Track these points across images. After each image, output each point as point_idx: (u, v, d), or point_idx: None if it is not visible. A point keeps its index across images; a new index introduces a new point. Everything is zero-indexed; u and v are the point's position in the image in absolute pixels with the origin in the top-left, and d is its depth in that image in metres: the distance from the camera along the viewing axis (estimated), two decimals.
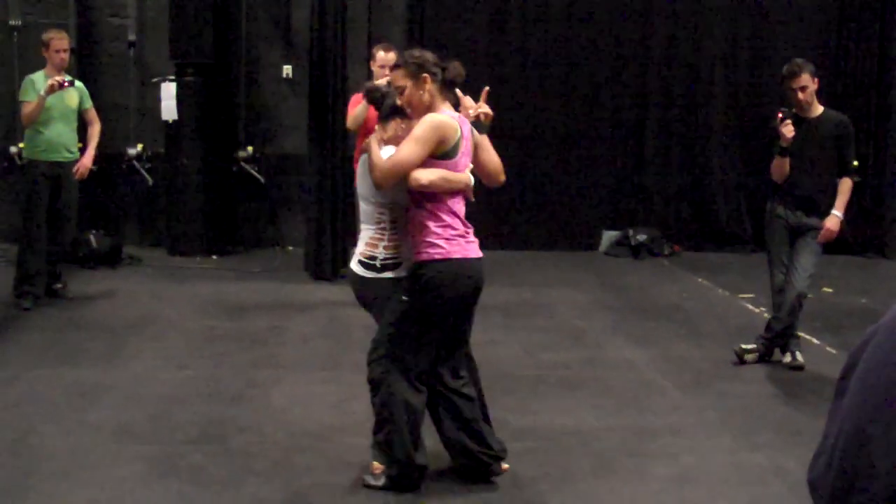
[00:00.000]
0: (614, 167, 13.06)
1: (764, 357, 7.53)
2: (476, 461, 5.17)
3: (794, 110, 7.23)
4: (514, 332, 8.40)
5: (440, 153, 4.85)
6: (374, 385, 5.09)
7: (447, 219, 4.90)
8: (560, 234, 12.96)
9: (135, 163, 11.92)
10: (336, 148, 10.52)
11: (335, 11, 10.50)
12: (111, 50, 12.23)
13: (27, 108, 8.71)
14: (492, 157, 5.22)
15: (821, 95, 7.44)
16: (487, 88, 5.35)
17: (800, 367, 7.42)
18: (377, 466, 5.05)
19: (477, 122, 5.18)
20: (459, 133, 4.91)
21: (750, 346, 7.54)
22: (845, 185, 7.30)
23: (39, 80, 8.78)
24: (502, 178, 5.30)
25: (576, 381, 7.06)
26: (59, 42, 8.87)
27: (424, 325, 4.94)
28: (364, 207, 5.16)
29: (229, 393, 6.54)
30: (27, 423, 5.86)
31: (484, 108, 5.22)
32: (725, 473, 5.42)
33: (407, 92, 4.97)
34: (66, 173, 8.96)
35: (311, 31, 10.74)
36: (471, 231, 5.04)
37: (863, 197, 12.41)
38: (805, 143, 7.21)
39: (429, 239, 4.88)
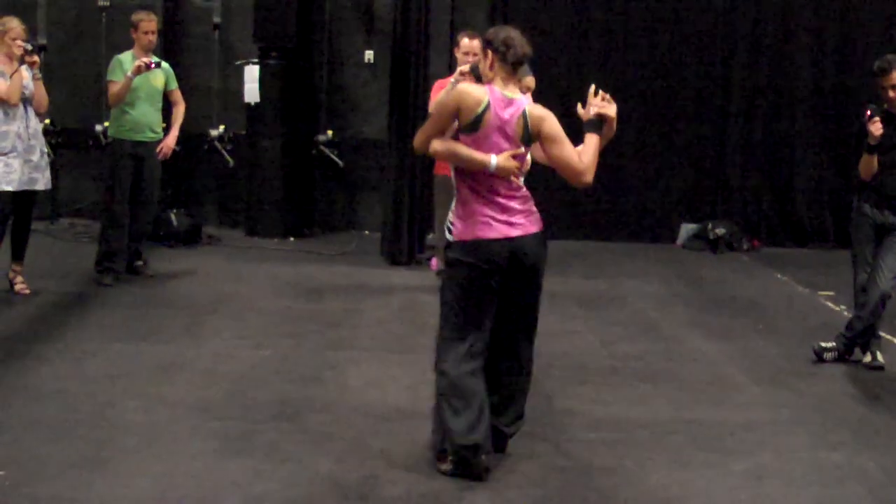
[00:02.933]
0: (695, 159, 12.94)
1: (843, 356, 7.41)
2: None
3: (884, 107, 7.08)
4: (589, 323, 8.37)
5: (463, 124, 4.96)
6: (436, 369, 5.16)
7: (475, 198, 5.00)
8: (638, 225, 12.88)
9: (216, 144, 12.07)
10: (416, 133, 10.52)
11: None
12: (196, 32, 12.38)
13: (114, 88, 8.85)
14: (565, 154, 5.01)
15: None
16: (593, 87, 5.18)
17: (880, 368, 7.29)
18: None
19: (592, 122, 5.10)
20: (484, 108, 4.91)
21: (829, 345, 7.43)
22: None
23: (127, 60, 8.90)
24: (583, 178, 5.03)
25: (651, 374, 7.00)
26: (148, 24, 8.98)
27: (455, 301, 5.04)
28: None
29: (305, 373, 6.60)
30: (106, 396, 5.95)
31: (606, 110, 5.12)
32: (802, 471, 5.34)
33: (480, 66, 5.19)
34: (150, 153, 9.08)
35: (394, 16, 10.76)
36: (508, 209, 5.00)
37: None
38: (895, 141, 7.06)
39: (453, 218, 5.08)
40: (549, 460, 5.29)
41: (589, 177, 5.03)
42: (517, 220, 5.00)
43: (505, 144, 4.96)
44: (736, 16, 12.79)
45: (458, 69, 8.46)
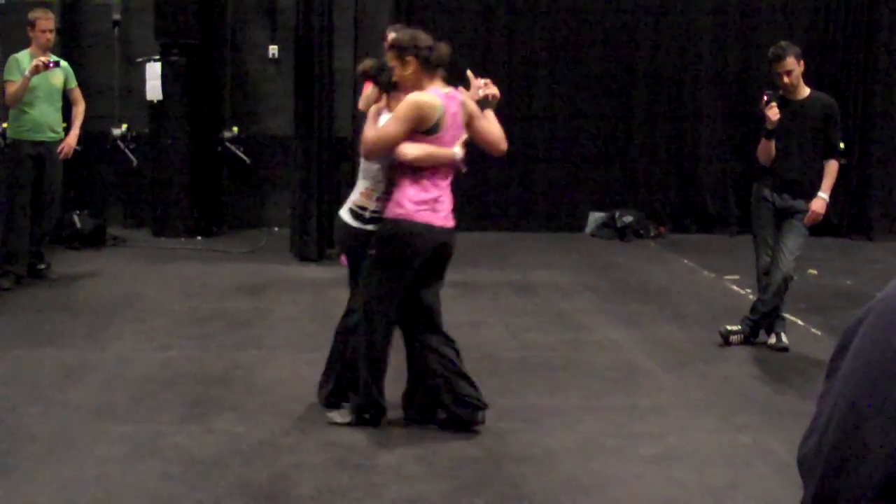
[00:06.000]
0: (601, 149, 13.05)
1: (749, 338, 7.53)
2: (465, 408, 5.52)
3: (780, 92, 7.21)
4: (499, 314, 8.39)
5: (423, 129, 5.24)
6: (349, 331, 5.63)
7: (423, 186, 5.31)
8: (546, 215, 12.95)
9: (119, 143, 11.85)
10: (322, 128, 10.48)
11: None
12: (95, 29, 12.16)
13: (11, 88, 8.66)
14: (489, 127, 5.56)
15: (808, 77, 7.41)
16: (469, 71, 5.75)
17: (784, 349, 7.42)
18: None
19: (484, 101, 5.59)
20: (441, 110, 5.25)
21: (735, 328, 7.54)
22: (832, 167, 7.29)
23: (24, 59, 8.72)
24: (502, 146, 5.64)
25: (560, 363, 7.05)
26: (46, 22, 8.82)
27: (388, 276, 5.37)
28: (365, 165, 5.53)
29: (213, 373, 6.52)
30: (9, 403, 5.82)
31: (491, 90, 5.62)
32: (710, 454, 5.42)
33: (396, 72, 5.37)
34: (51, 153, 8.92)
35: (296, 10, 10.67)
36: (445, 200, 5.41)
37: (848, 179, 12.43)
38: (791, 126, 7.19)
39: (402, 200, 5.30)
40: (460, 451, 5.30)
41: (506, 143, 5.65)
42: (447, 212, 5.42)
43: (456, 136, 5.35)
44: (638, 6, 12.91)
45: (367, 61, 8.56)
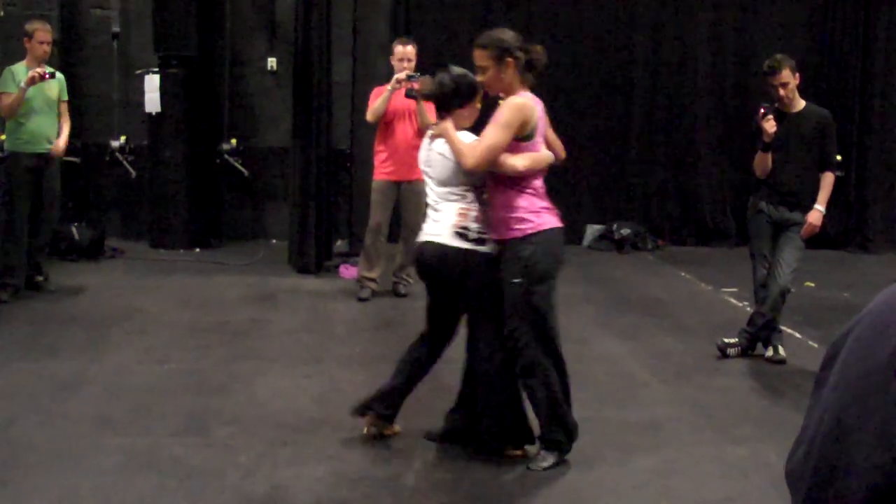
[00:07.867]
0: (599, 161, 13.07)
1: (746, 351, 7.54)
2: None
3: (776, 105, 7.24)
4: None
5: (523, 135, 5.05)
6: (526, 370, 5.16)
7: (534, 192, 5.16)
8: None
9: (118, 155, 11.86)
10: (320, 140, 10.50)
11: (320, 3, 10.47)
12: (95, 42, 12.18)
13: (7, 100, 8.67)
14: (554, 136, 5.53)
15: (804, 90, 7.44)
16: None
17: (782, 361, 7.43)
18: (531, 450, 5.35)
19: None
20: (538, 116, 5.11)
21: (732, 340, 7.54)
22: (828, 180, 7.31)
23: (20, 71, 8.73)
24: (563, 154, 5.64)
25: None
26: (44, 34, 8.84)
27: (544, 293, 5.15)
28: (441, 190, 5.21)
29: (211, 385, 6.52)
30: (7, 414, 5.82)
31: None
32: (707, 466, 5.42)
33: (489, 73, 5.13)
34: (49, 165, 8.92)
35: (295, 23, 10.70)
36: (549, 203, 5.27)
37: (846, 191, 12.46)
38: (787, 138, 7.22)
39: (520, 215, 5.10)
40: (457, 464, 5.30)
41: (564, 153, 5.77)
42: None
43: (542, 140, 5.23)
44: (636, 19, 12.95)
45: (395, 76, 8.59)
